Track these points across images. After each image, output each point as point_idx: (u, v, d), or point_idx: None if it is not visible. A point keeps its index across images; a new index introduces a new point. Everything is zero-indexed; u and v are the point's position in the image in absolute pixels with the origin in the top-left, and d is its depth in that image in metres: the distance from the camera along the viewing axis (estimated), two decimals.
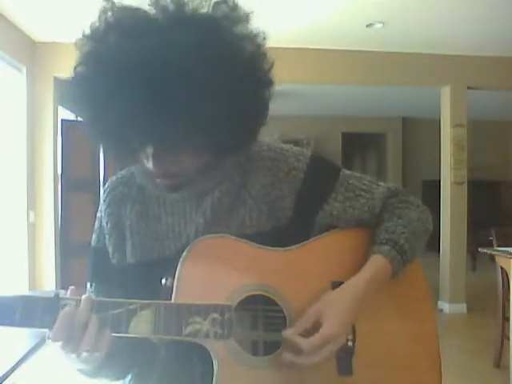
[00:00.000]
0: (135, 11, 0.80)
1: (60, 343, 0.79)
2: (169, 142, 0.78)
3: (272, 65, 0.85)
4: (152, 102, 0.73)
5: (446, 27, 4.36)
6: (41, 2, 3.73)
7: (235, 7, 0.81)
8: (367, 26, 4.32)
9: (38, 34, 4.44)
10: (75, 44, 0.80)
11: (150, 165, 0.83)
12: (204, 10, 0.80)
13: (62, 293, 0.84)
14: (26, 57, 4.42)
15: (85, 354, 0.80)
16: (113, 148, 0.87)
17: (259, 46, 0.83)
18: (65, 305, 0.80)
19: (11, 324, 0.80)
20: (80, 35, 0.80)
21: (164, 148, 0.80)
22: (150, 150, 0.81)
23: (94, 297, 0.97)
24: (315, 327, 0.84)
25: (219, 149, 0.84)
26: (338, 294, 0.88)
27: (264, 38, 0.84)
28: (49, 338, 0.79)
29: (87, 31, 0.80)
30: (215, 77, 0.75)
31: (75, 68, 0.81)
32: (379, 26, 4.32)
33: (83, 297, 0.81)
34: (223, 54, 0.77)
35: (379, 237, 0.95)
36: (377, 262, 0.91)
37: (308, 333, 0.83)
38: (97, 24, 0.79)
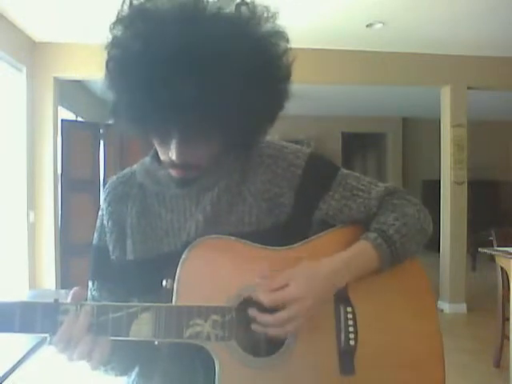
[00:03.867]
0: (160, 2, 0.81)
1: (58, 351, 0.81)
2: (195, 131, 0.79)
3: (293, 61, 0.87)
4: (181, 91, 0.74)
5: (445, 27, 4.36)
6: (41, 2, 3.73)
7: (254, 8, 0.83)
8: (367, 25, 4.32)
9: (38, 34, 4.44)
10: (108, 27, 0.82)
11: (171, 155, 0.84)
12: (227, 10, 0.82)
13: (62, 293, 0.84)
14: (25, 57, 4.42)
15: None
16: (138, 134, 0.88)
17: (281, 43, 0.85)
18: (64, 310, 0.81)
19: (11, 330, 0.79)
20: (112, 19, 0.82)
21: (188, 136, 0.81)
22: (174, 138, 0.82)
23: (96, 294, 0.98)
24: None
25: (237, 140, 0.86)
26: (311, 263, 0.87)
27: (285, 36, 0.86)
28: (50, 344, 0.80)
29: (119, 15, 0.81)
30: (242, 66, 0.77)
31: (108, 51, 0.82)
32: (379, 25, 4.32)
33: (83, 307, 0.81)
34: (250, 46, 0.79)
35: (369, 227, 0.95)
36: (359, 246, 0.91)
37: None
38: (124, 11, 0.81)
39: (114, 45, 0.81)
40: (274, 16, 0.85)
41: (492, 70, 5.16)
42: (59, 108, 4.89)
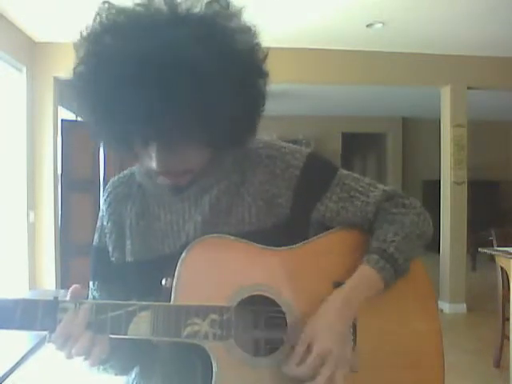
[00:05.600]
0: (129, 13, 0.80)
1: (57, 348, 0.81)
2: (171, 136, 0.78)
3: (266, 55, 0.86)
4: (153, 98, 0.73)
5: (446, 27, 4.36)
6: (41, 2, 3.73)
7: (227, 5, 0.83)
8: (367, 25, 4.32)
9: (38, 34, 4.44)
10: (73, 45, 0.81)
11: (153, 163, 0.83)
12: (197, 10, 0.81)
13: (62, 293, 0.84)
14: (25, 57, 4.42)
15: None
16: (116, 146, 0.87)
17: (253, 39, 0.84)
18: (63, 308, 0.81)
19: (11, 327, 0.80)
20: (77, 36, 0.81)
21: (167, 143, 0.80)
22: (152, 147, 0.81)
23: (96, 295, 0.99)
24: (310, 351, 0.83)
25: (220, 142, 0.84)
26: (321, 313, 0.86)
27: (256, 31, 0.85)
28: (49, 341, 0.80)
29: (83, 33, 0.80)
30: (214, 69, 0.76)
31: (74, 68, 0.81)
32: (379, 25, 4.32)
33: (82, 305, 0.81)
34: (220, 48, 0.78)
35: (370, 246, 0.94)
36: (362, 272, 0.90)
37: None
38: (92, 26, 0.80)
39: (83, 55, 0.80)
40: (239, 12, 0.84)
41: (492, 69, 5.16)
42: (59, 108, 4.89)
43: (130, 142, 0.82)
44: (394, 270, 0.91)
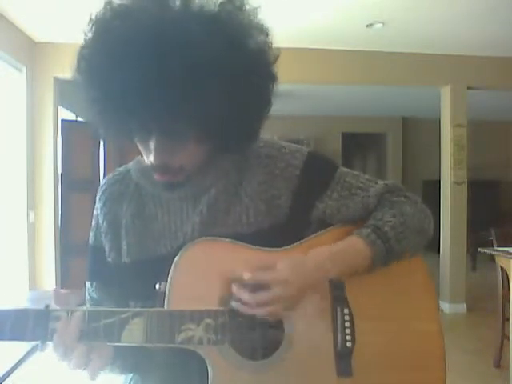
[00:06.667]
0: (142, 1, 0.80)
1: (58, 359, 0.80)
2: (171, 129, 0.77)
3: (276, 59, 0.85)
4: (155, 86, 0.73)
5: (445, 27, 4.36)
6: (41, 2, 3.73)
7: (241, 6, 0.82)
8: (367, 25, 4.32)
9: (38, 34, 4.43)
10: (82, 29, 0.81)
11: (151, 157, 0.82)
12: (210, 8, 0.81)
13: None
14: (25, 57, 4.41)
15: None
16: (114, 135, 0.86)
17: (265, 40, 0.84)
18: (55, 316, 0.80)
19: (1, 338, 0.78)
20: (86, 21, 0.81)
21: (166, 137, 0.79)
22: (152, 139, 0.81)
23: (93, 295, 0.98)
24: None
25: (219, 141, 0.84)
26: (300, 254, 0.87)
27: (269, 32, 0.84)
28: (41, 350, 0.79)
29: (92, 16, 0.80)
30: (219, 65, 0.75)
31: (80, 51, 0.81)
32: (379, 25, 4.31)
33: (74, 314, 0.80)
34: (228, 46, 0.78)
35: (365, 224, 0.93)
36: (350, 240, 0.89)
37: None
38: (102, 10, 0.80)
39: (87, 44, 0.80)
40: (254, 11, 0.83)
41: (492, 70, 5.16)
42: (59, 108, 4.88)
43: (128, 127, 0.81)
44: (385, 248, 0.89)
